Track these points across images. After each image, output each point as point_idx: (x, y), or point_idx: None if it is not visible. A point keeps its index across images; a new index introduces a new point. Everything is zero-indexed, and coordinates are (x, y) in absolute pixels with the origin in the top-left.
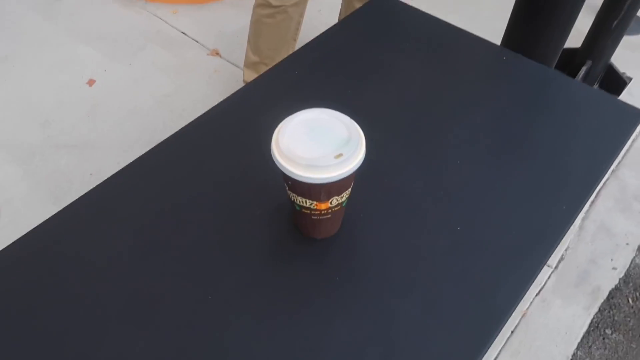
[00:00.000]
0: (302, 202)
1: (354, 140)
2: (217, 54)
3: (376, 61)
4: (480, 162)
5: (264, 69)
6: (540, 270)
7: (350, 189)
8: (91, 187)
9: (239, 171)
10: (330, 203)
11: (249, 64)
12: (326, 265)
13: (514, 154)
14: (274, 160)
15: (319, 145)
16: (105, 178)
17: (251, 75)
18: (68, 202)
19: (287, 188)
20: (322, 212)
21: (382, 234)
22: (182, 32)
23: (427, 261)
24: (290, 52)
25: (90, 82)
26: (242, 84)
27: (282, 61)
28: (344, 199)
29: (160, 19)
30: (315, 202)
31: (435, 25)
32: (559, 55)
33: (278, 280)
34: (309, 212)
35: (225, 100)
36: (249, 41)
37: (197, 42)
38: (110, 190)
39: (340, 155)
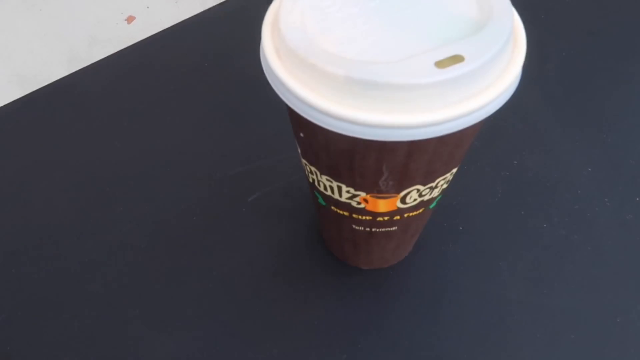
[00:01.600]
0: (333, 190)
1: (500, 23)
2: None
3: None
4: None
5: None
6: None
7: (456, 169)
8: None
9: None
10: (403, 201)
11: None
12: (372, 330)
13: None
14: (263, 65)
15: (390, 33)
16: None
17: None
18: None
19: (298, 149)
20: (378, 219)
21: (502, 278)
22: None
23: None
24: None
25: (130, 19)
26: None
27: None
28: (436, 191)
29: None
30: (363, 194)
31: None
32: None
33: (274, 347)
34: (347, 214)
35: None
36: None
37: None
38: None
39: (455, 59)
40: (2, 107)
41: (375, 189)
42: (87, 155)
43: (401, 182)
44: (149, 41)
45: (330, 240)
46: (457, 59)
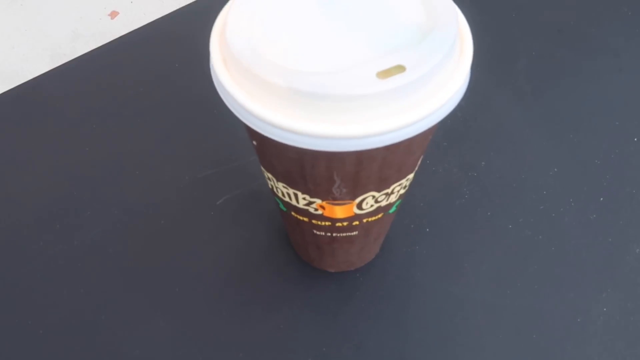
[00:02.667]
0: (290, 196)
1: (444, 31)
2: None
3: None
4: None
5: None
6: None
7: (414, 172)
8: None
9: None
10: (359, 207)
11: None
12: (338, 332)
13: None
14: (212, 75)
15: (335, 41)
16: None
17: None
18: None
19: (258, 157)
20: (338, 225)
21: (467, 279)
22: None
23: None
24: None
25: (113, 14)
26: None
27: None
28: (393, 196)
29: None
30: (319, 201)
31: None
32: None
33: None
34: (306, 220)
35: None
36: None
37: None
38: None
39: (396, 69)
40: None
41: (329, 196)
42: (56, 158)
43: (354, 190)
44: (118, 42)
45: (296, 244)
46: (399, 68)
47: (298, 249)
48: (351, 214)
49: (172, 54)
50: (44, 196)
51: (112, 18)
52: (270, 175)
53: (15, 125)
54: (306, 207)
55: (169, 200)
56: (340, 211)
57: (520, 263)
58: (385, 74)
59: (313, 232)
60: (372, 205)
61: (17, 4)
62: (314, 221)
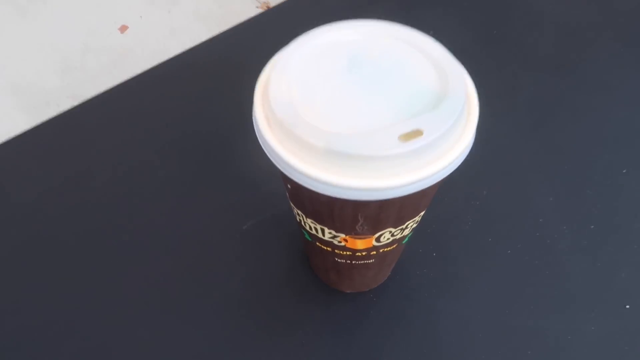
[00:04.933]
0: (317, 230)
1: (455, 98)
2: (268, 7)
3: None
4: None
5: None
6: None
7: (424, 212)
8: None
9: (220, 145)
10: (378, 240)
11: None
12: (354, 348)
13: None
14: (256, 132)
15: (363, 105)
16: None
17: None
18: None
19: (287, 194)
20: (357, 254)
21: (470, 300)
22: None
23: None
24: None
25: (123, 28)
26: None
27: None
28: (407, 230)
29: None
30: (342, 235)
31: None
32: None
33: None
34: (329, 249)
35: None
36: None
37: None
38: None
39: (415, 133)
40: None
41: (353, 232)
42: (92, 186)
43: (375, 227)
44: (146, 75)
45: (317, 268)
46: (417, 132)
47: (318, 272)
48: (370, 246)
49: (201, 86)
50: (81, 222)
51: (121, 32)
52: (300, 212)
53: (52, 156)
54: (331, 240)
55: (198, 225)
56: (361, 243)
57: (518, 285)
58: (406, 137)
59: (334, 260)
60: (388, 239)
61: (30, 18)
62: (336, 251)
